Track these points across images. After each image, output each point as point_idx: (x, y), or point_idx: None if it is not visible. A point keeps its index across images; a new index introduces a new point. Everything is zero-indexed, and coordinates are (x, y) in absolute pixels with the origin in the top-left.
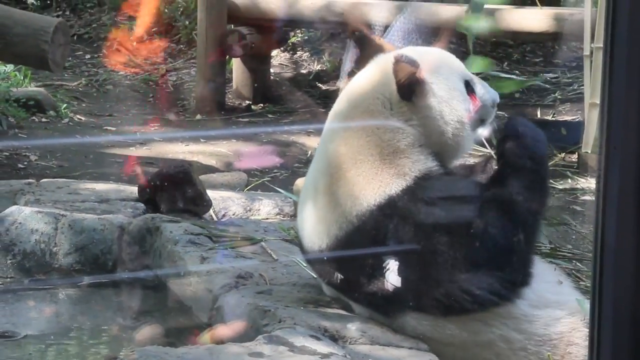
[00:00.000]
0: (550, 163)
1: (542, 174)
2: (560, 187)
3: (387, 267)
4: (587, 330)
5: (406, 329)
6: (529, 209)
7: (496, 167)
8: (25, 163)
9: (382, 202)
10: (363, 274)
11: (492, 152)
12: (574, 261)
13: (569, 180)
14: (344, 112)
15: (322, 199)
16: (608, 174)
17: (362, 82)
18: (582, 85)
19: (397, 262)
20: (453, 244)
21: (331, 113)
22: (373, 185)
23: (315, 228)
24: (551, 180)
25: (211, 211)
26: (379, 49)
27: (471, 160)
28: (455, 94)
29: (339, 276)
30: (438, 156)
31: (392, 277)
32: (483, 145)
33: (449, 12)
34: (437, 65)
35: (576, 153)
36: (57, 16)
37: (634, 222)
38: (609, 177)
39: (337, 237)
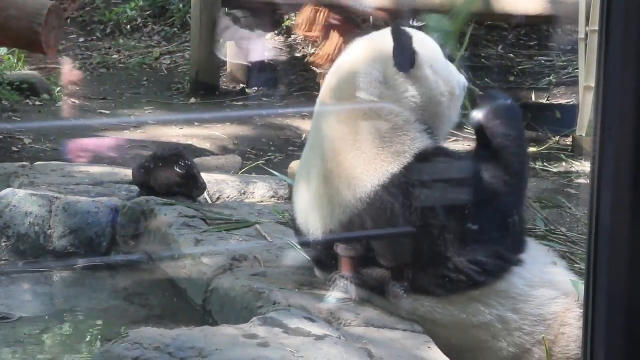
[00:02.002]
0: (544, 147)
1: (525, 147)
2: (555, 170)
3: (392, 248)
4: (581, 310)
5: (406, 310)
6: (521, 181)
7: (478, 143)
8: (19, 146)
9: (386, 181)
10: (366, 256)
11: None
12: (569, 244)
13: (564, 164)
14: (336, 94)
15: (323, 185)
16: (603, 156)
17: (353, 61)
18: (577, 68)
19: (402, 243)
20: (458, 219)
21: (322, 96)
22: (375, 166)
23: (317, 214)
24: (546, 164)
25: (205, 194)
26: None
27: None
28: (445, 65)
29: (339, 260)
30: (432, 132)
31: (397, 258)
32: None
33: None
34: (424, 39)
35: (571, 136)
36: None
37: (628, 203)
38: (604, 159)
39: (342, 221)
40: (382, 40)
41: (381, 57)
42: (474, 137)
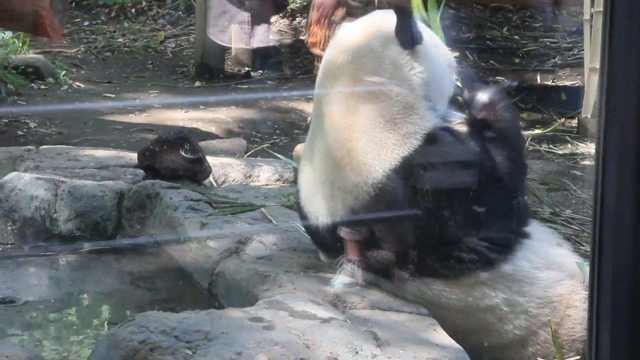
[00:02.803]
0: (550, 128)
1: (521, 131)
2: (560, 152)
3: (402, 232)
4: (586, 292)
5: (413, 293)
6: (524, 163)
7: (479, 124)
8: (25, 130)
9: (397, 164)
10: (373, 239)
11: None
12: (574, 226)
13: (569, 145)
14: (340, 80)
15: (332, 172)
16: (608, 136)
17: (355, 45)
18: (582, 50)
19: (412, 226)
20: (467, 200)
21: (322, 80)
22: (387, 150)
23: (325, 200)
24: (551, 146)
25: (211, 178)
26: None
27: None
28: (437, 39)
29: (345, 244)
30: (438, 108)
31: (406, 241)
32: None
33: None
34: (414, 16)
35: (576, 118)
36: None
37: (633, 184)
38: (609, 139)
39: (353, 208)
40: (380, 21)
41: (383, 37)
42: (470, 118)
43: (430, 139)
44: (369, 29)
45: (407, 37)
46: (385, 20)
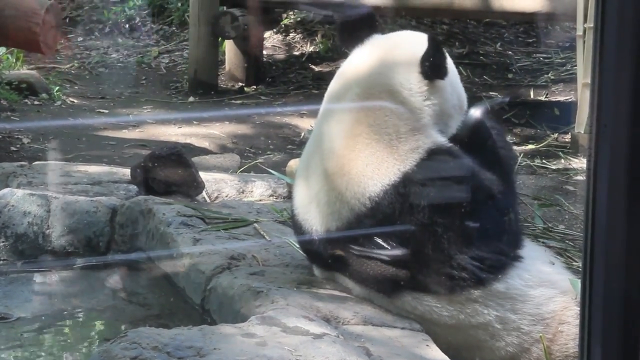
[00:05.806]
0: (543, 144)
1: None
2: (554, 167)
3: (397, 247)
4: (579, 309)
5: (405, 309)
6: (514, 179)
7: (471, 142)
8: (18, 146)
9: (396, 180)
10: (367, 253)
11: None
12: (567, 241)
13: (562, 161)
14: (355, 93)
15: (330, 183)
16: (598, 153)
17: (372, 63)
18: (575, 65)
19: (408, 241)
20: (464, 217)
21: (331, 94)
22: (387, 164)
23: (320, 211)
24: (544, 161)
25: (204, 193)
26: None
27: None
28: (458, 80)
29: (341, 257)
30: (445, 134)
31: (400, 256)
32: None
33: None
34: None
35: (569, 133)
36: None
37: (624, 200)
38: (600, 156)
39: (349, 219)
40: (406, 42)
41: (407, 60)
42: (463, 136)
43: (431, 157)
44: (393, 47)
45: (433, 68)
46: (412, 43)
